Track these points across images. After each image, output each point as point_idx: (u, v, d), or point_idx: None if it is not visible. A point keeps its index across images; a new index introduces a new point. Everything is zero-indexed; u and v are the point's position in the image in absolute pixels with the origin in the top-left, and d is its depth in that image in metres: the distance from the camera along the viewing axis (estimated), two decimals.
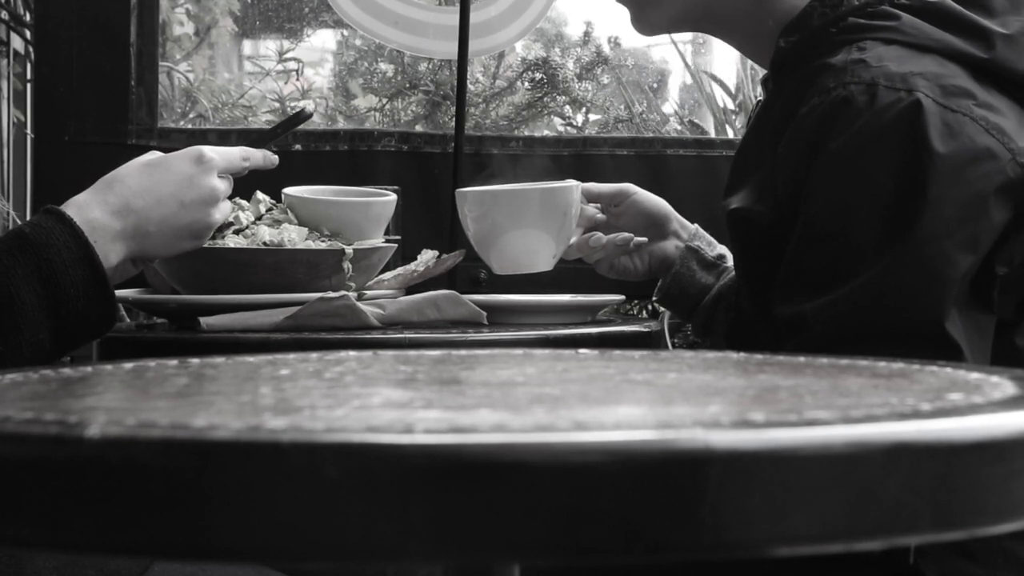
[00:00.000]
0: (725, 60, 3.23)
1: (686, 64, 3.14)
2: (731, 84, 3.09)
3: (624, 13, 1.41)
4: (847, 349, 0.91)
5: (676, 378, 0.70)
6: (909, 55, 1.19)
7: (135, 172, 1.26)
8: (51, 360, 1.17)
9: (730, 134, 2.93)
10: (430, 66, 2.86)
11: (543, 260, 1.47)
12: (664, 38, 2.93)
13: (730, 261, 1.52)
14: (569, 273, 1.63)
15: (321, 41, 3.41)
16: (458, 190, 1.52)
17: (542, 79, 2.86)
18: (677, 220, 1.55)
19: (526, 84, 2.89)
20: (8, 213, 3.18)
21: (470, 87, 2.69)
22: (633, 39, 3.01)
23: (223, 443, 0.46)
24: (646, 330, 1.58)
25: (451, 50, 2.16)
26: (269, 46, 3.23)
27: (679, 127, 3.07)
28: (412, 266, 1.59)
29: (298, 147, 2.11)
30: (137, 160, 1.28)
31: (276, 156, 1.40)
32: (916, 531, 0.49)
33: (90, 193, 1.23)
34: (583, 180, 1.51)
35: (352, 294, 1.43)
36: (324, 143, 2.15)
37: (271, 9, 3.22)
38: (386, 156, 2.14)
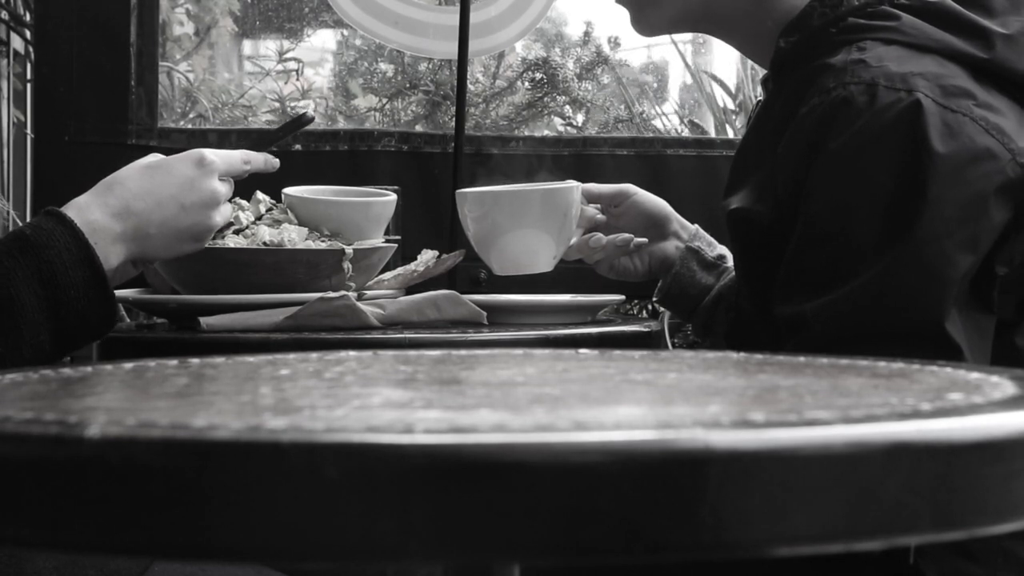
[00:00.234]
0: (725, 60, 3.23)
1: (686, 64, 3.14)
2: (731, 84, 3.09)
3: (624, 14, 1.41)
4: (847, 349, 0.91)
5: (676, 378, 0.70)
6: (909, 55, 1.19)
7: (136, 174, 1.26)
8: (51, 361, 1.17)
9: (730, 134, 2.93)
10: (430, 66, 2.86)
11: (543, 261, 1.47)
12: (664, 38, 2.93)
13: (730, 261, 1.52)
14: (569, 273, 1.63)
15: (321, 41, 3.41)
16: (458, 191, 1.52)
17: (542, 79, 2.86)
18: (677, 221, 1.55)
19: (526, 84, 2.89)
20: (8, 213, 3.18)
21: (470, 87, 2.69)
22: (633, 39, 3.01)
23: (223, 443, 0.46)
24: (646, 330, 1.58)
25: (451, 50, 2.16)
26: (269, 46, 3.23)
27: (679, 126, 3.07)
28: (412, 266, 1.59)
29: (298, 147, 2.11)
30: (138, 162, 1.29)
31: (277, 160, 1.40)
32: (916, 531, 0.49)
33: (91, 195, 1.23)
34: (583, 180, 1.51)
35: (352, 294, 1.43)
36: (324, 143, 2.14)
37: (271, 9, 3.22)
38: (386, 156, 2.14)
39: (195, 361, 0.80)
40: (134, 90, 2.08)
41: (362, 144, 2.14)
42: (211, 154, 1.30)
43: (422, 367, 0.76)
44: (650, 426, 0.51)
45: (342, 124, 2.97)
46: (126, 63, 2.07)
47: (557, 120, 2.92)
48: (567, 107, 2.90)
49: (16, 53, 3.36)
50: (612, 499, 0.44)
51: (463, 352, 0.85)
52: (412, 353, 0.84)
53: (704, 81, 3.09)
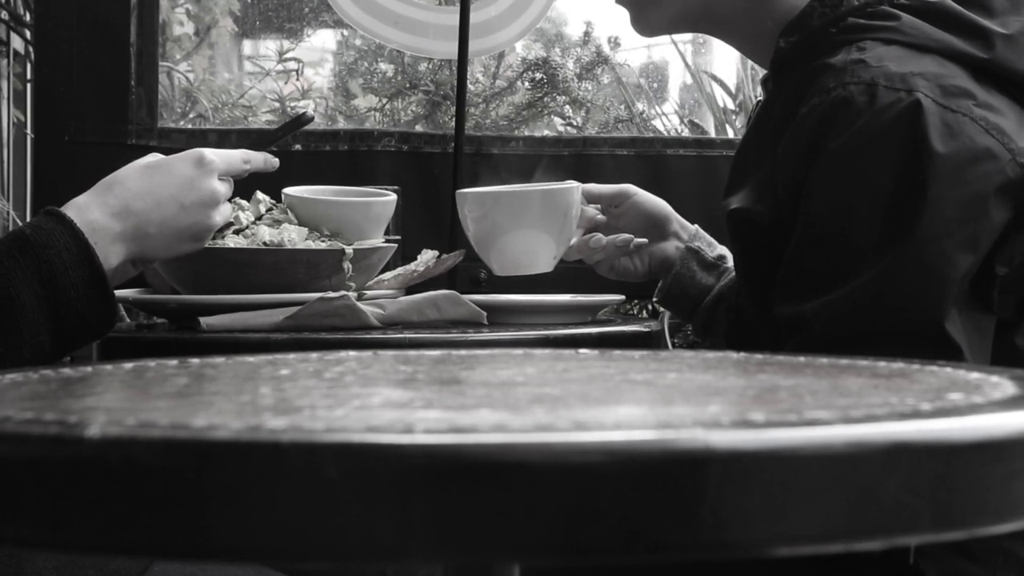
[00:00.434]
0: (725, 60, 3.23)
1: (686, 64, 3.14)
2: (731, 84, 3.09)
3: (624, 14, 1.41)
4: (847, 349, 0.91)
5: (676, 378, 0.70)
6: (909, 55, 1.19)
7: (135, 174, 1.26)
8: (51, 361, 1.17)
9: (730, 134, 2.93)
10: (430, 66, 2.86)
11: (543, 261, 1.47)
12: (664, 38, 2.93)
13: (730, 262, 1.52)
14: (569, 273, 1.63)
15: (321, 41, 3.41)
16: (458, 191, 1.52)
17: (542, 79, 2.86)
18: (677, 221, 1.55)
19: (526, 84, 2.89)
20: (8, 213, 3.18)
21: (470, 87, 2.69)
22: (633, 39, 3.01)
23: (223, 443, 0.46)
24: (646, 330, 1.58)
25: (451, 50, 2.16)
26: (269, 46, 3.23)
27: (679, 126, 3.07)
28: (412, 266, 1.59)
29: (298, 147, 2.11)
30: (137, 162, 1.29)
31: (277, 160, 1.40)
32: (916, 531, 0.49)
33: (90, 195, 1.23)
34: (583, 180, 1.51)
35: (352, 294, 1.43)
36: (324, 143, 2.14)
37: (271, 9, 3.22)
38: (386, 156, 2.14)
39: (195, 361, 0.80)
40: (134, 90, 2.08)
41: (362, 144, 2.14)
42: (211, 154, 1.30)
43: (422, 367, 0.76)
44: (650, 426, 0.51)
45: (342, 124, 2.97)
46: (126, 63, 2.07)
47: (557, 120, 2.92)
48: (567, 107, 2.90)
49: (16, 53, 3.36)
50: (612, 499, 0.44)
51: (463, 352, 0.85)
52: (412, 353, 0.84)
53: (704, 81, 3.09)
